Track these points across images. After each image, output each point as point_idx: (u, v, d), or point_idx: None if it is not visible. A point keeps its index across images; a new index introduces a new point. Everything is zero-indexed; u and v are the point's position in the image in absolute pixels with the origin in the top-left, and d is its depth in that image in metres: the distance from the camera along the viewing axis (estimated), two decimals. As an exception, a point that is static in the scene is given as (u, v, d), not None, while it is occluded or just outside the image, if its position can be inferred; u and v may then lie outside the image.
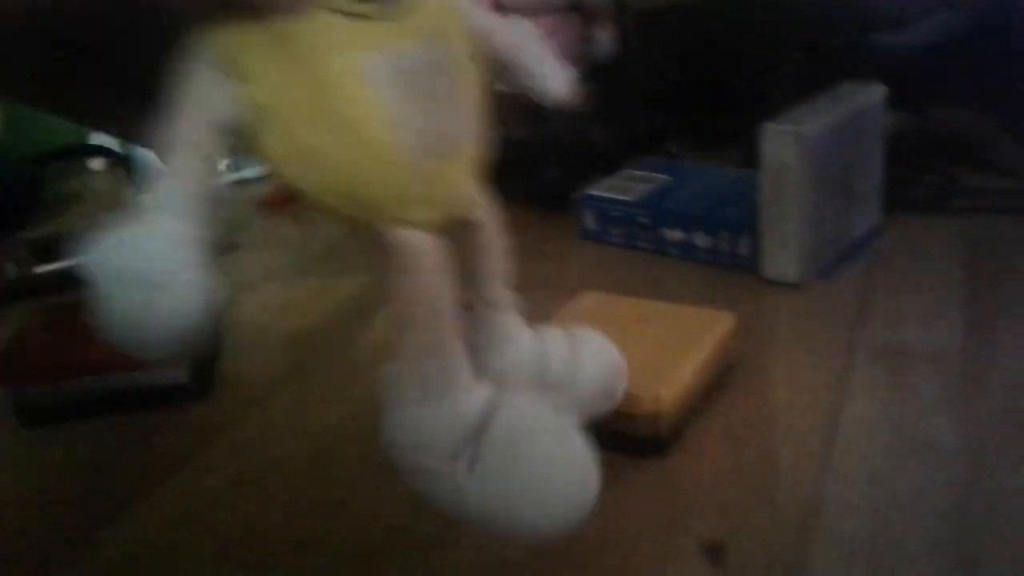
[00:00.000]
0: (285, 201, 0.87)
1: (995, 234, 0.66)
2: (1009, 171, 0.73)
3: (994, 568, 0.36)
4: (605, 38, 1.01)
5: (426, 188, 0.32)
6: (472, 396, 0.34)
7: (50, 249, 0.76)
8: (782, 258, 0.61)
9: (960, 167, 0.74)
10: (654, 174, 0.74)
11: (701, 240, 0.66)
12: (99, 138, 0.95)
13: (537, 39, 0.41)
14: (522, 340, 0.39)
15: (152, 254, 0.30)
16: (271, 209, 0.87)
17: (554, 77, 0.41)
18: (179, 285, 0.30)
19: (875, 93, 0.64)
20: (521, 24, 0.42)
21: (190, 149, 0.31)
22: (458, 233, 0.35)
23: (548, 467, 0.33)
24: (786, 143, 0.57)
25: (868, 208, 0.67)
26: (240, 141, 0.32)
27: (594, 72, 1.01)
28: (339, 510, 0.43)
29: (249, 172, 0.96)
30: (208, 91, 0.31)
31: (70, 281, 0.55)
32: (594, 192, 0.72)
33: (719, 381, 0.50)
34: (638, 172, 0.76)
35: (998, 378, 0.49)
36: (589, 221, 0.73)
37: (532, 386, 0.38)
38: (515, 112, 0.94)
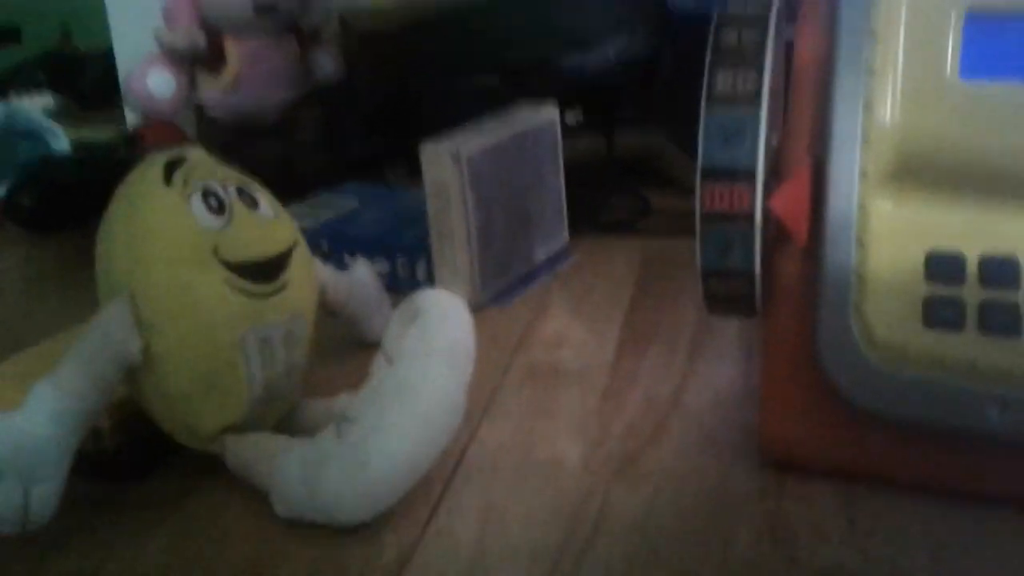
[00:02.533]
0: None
1: (669, 255, 0.67)
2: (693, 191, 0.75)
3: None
4: (328, 60, 0.97)
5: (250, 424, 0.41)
6: None
7: None
8: (453, 283, 0.59)
9: (649, 188, 0.75)
10: (347, 199, 0.71)
11: (380, 266, 0.63)
12: None
13: (374, 285, 0.53)
14: None
15: (20, 451, 0.34)
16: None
17: (378, 320, 0.52)
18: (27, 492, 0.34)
19: (548, 113, 0.64)
20: (361, 270, 0.53)
21: (86, 373, 0.36)
22: None
23: None
24: (444, 162, 0.56)
25: (551, 231, 0.66)
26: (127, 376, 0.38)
27: (316, 95, 0.98)
28: None
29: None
30: (121, 331, 0.37)
31: None
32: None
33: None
34: (333, 196, 0.72)
35: (636, 396, 0.49)
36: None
37: None
38: (224, 132, 0.89)
